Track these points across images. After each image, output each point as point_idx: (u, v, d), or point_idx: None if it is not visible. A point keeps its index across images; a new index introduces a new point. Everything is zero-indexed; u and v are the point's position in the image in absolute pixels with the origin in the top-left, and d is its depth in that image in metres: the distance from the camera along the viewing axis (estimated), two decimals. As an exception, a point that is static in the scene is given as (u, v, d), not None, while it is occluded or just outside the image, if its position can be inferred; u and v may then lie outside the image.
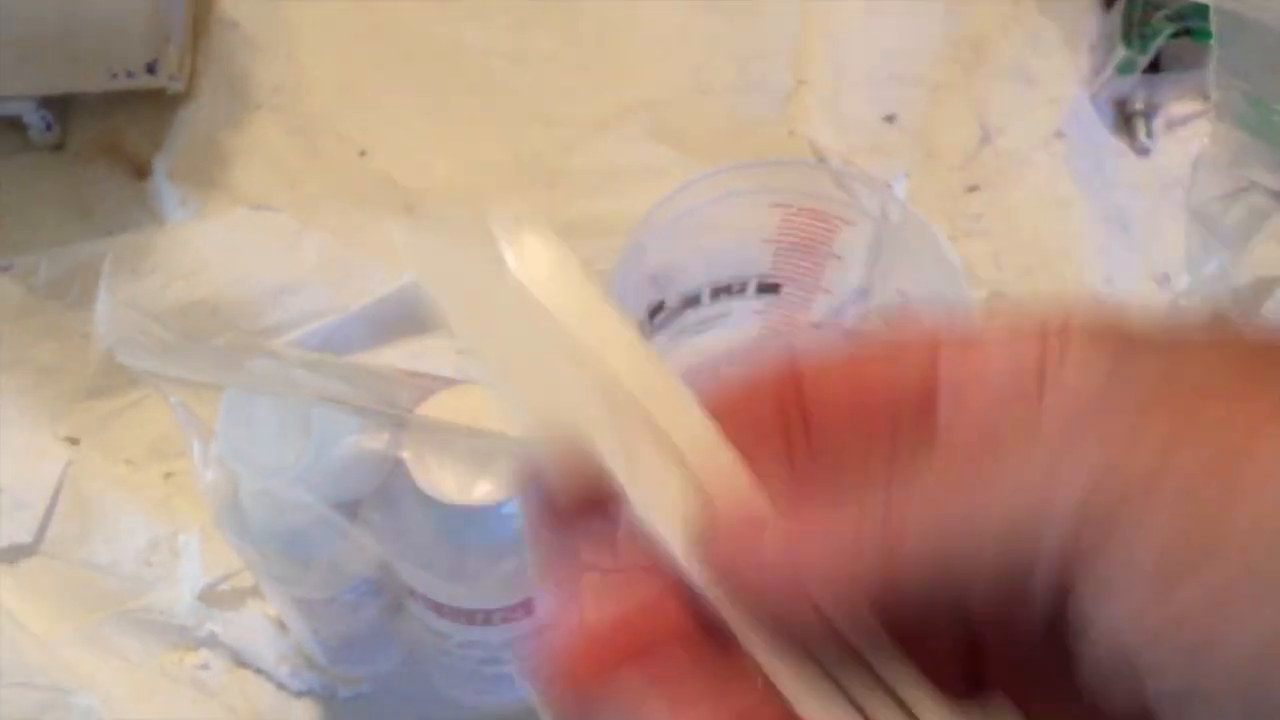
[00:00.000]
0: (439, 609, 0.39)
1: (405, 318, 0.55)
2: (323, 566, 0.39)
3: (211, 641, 0.49)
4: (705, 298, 0.49)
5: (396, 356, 0.55)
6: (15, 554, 0.50)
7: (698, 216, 0.46)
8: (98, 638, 0.49)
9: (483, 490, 0.35)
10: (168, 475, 0.52)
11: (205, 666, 0.49)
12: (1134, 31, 0.60)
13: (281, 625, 0.49)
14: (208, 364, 0.34)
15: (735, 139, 0.62)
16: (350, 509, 0.38)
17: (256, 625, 0.49)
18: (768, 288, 0.50)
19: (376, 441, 0.36)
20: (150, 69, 0.56)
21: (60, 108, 0.58)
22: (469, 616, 0.39)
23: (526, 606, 0.40)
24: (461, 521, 0.35)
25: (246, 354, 0.36)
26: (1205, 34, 0.60)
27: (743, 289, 0.50)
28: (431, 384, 0.38)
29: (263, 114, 0.60)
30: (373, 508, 0.38)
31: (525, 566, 0.37)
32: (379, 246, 0.54)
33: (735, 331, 0.52)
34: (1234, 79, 0.53)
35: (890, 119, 0.62)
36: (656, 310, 0.48)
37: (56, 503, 0.50)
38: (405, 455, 0.35)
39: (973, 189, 0.60)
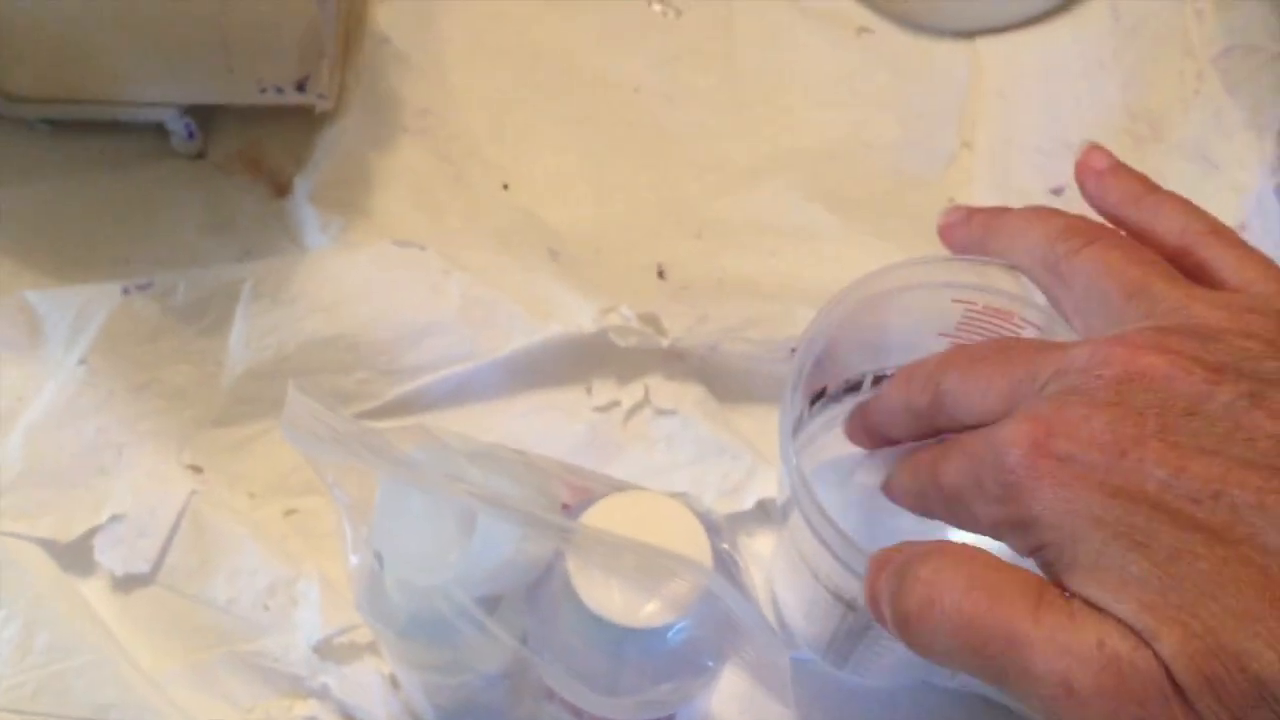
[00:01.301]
0: (579, 714, 0.37)
1: (542, 368, 0.53)
2: (459, 656, 0.38)
3: (322, 693, 0.47)
4: (867, 384, 0.47)
5: (530, 405, 0.53)
6: (131, 583, 0.49)
7: (879, 303, 0.43)
8: (207, 677, 0.48)
9: (650, 611, 0.33)
10: (289, 512, 0.51)
11: (313, 719, 0.47)
12: (1331, 123, 0.57)
13: (395, 683, 0.48)
14: (376, 454, 0.32)
15: (892, 200, 0.59)
16: (491, 603, 0.36)
17: (370, 682, 0.47)
18: (931, 378, 0.47)
19: (538, 547, 0.34)
20: (300, 86, 0.54)
21: (203, 116, 0.57)
22: (609, 724, 0.37)
23: (670, 719, 0.38)
24: (624, 640, 0.33)
25: (411, 441, 0.34)
26: None
27: (905, 378, 0.47)
28: (591, 484, 0.36)
29: (409, 137, 0.58)
30: (518, 607, 0.36)
31: (681, 687, 0.35)
32: (522, 293, 0.52)
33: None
34: None
35: (1058, 191, 0.59)
36: (819, 396, 0.45)
37: (177, 533, 0.49)
38: (570, 567, 0.33)
39: (1142, 276, 0.57)
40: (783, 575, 0.48)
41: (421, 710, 0.47)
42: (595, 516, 0.34)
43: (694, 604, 0.33)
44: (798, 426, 0.44)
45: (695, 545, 0.34)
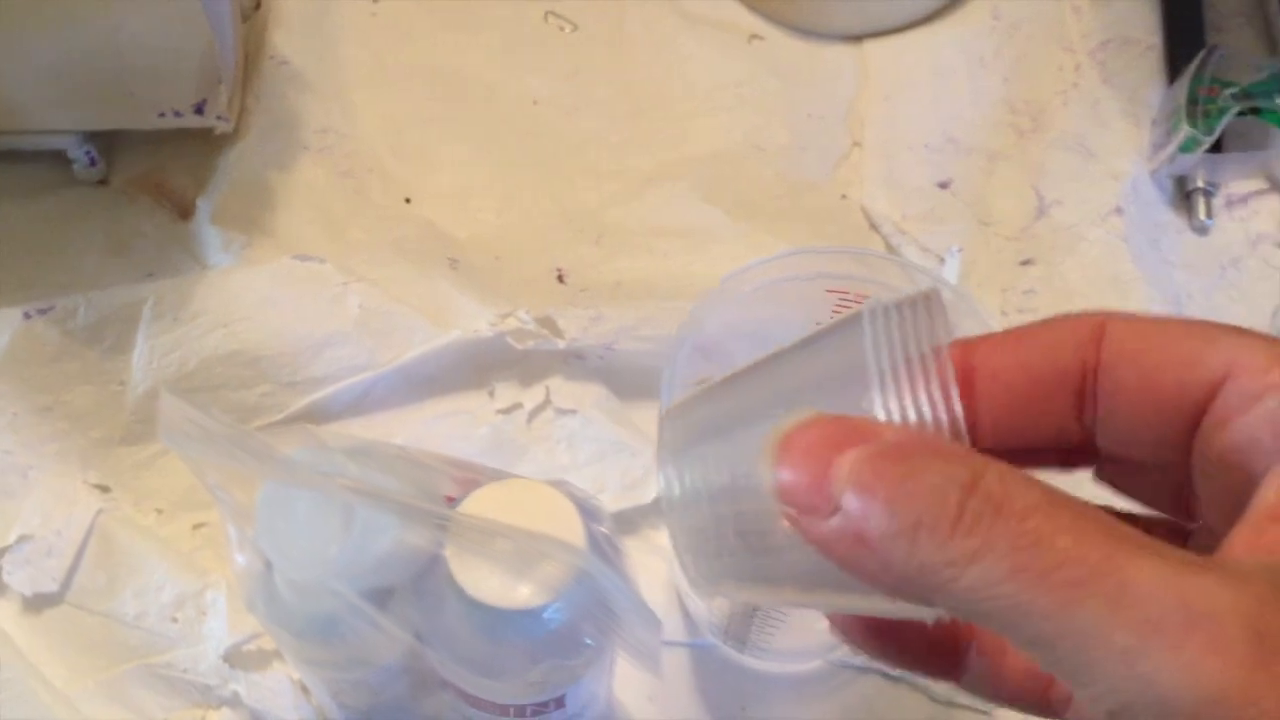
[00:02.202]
0: (470, 700, 0.38)
1: (445, 374, 0.54)
2: (352, 651, 0.39)
3: (234, 701, 0.48)
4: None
5: (434, 412, 0.54)
6: (41, 603, 0.49)
7: (757, 295, 0.45)
8: (118, 692, 0.48)
9: (525, 593, 0.34)
10: (197, 526, 0.52)
11: (227, 727, 0.48)
12: (1199, 110, 0.59)
13: (304, 689, 0.48)
14: (252, 455, 0.33)
15: (786, 201, 0.61)
16: (382, 596, 0.37)
17: (280, 688, 0.48)
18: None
19: (418, 537, 0.35)
20: (199, 109, 0.55)
21: (105, 143, 0.58)
22: (501, 709, 0.38)
23: (559, 700, 0.39)
24: (502, 622, 0.34)
25: (292, 440, 0.35)
26: (1273, 115, 0.59)
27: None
28: (476, 475, 0.37)
29: (310, 155, 0.59)
30: (408, 598, 0.37)
31: (561, 666, 0.36)
32: (422, 302, 0.53)
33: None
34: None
35: (945, 185, 0.61)
36: (703, 382, 0.47)
37: (84, 552, 0.50)
38: (447, 553, 0.34)
39: (1027, 262, 0.59)
40: (681, 564, 0.50)
41: (331, 713, 0.48)
42: (473, 504, 0.35)
43: (568, 585, 0.34)
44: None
45: (569, 528, 0.35)
